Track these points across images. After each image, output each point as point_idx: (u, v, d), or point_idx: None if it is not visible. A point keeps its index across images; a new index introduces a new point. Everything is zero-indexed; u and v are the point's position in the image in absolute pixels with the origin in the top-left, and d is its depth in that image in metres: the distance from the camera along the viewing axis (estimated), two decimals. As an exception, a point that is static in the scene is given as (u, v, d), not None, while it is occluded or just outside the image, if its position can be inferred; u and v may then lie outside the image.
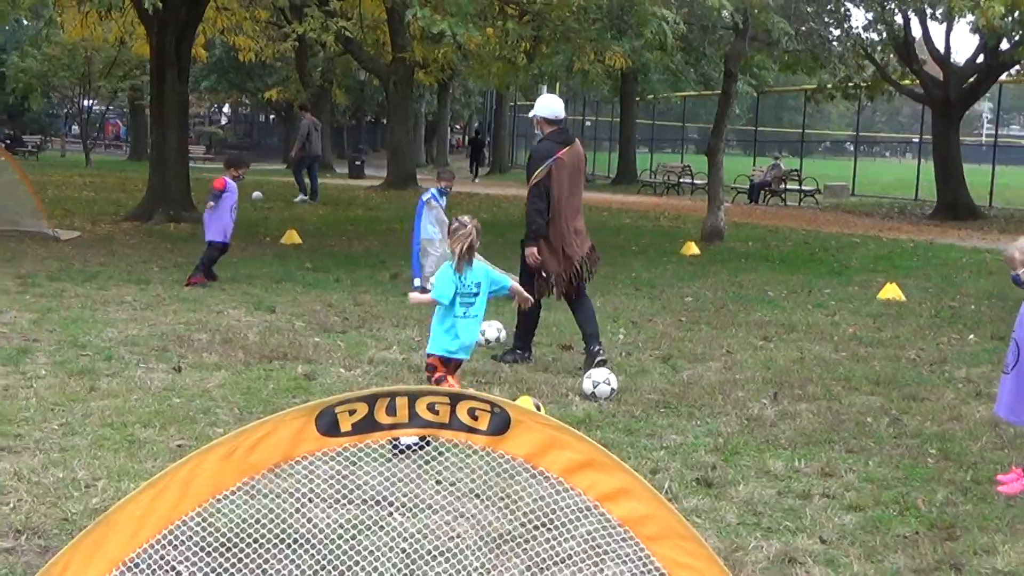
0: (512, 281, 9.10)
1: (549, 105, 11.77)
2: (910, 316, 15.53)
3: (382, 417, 3.78)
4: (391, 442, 3.80)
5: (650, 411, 9.83)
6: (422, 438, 4.16)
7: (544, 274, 11.60)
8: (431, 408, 3.77)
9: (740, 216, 33.54)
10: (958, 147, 37.41)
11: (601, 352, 11.34)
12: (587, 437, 3.79)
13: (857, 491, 7.78)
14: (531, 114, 11.93)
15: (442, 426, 3.79)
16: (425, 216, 15.16)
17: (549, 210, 11.51)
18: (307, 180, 34.64)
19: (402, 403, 3.77)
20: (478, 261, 8.98)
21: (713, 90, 49.38)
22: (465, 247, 8.77)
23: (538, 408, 8.88)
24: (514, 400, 9.48)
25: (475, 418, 3.76)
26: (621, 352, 12.36)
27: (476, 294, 8.84)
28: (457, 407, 3.76)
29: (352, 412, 3.78)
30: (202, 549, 5.19)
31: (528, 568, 5.87)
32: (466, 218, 9.02)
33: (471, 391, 3.90)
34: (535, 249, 11.52)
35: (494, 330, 12.62)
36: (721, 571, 3.66)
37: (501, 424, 3.74)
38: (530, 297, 10.09)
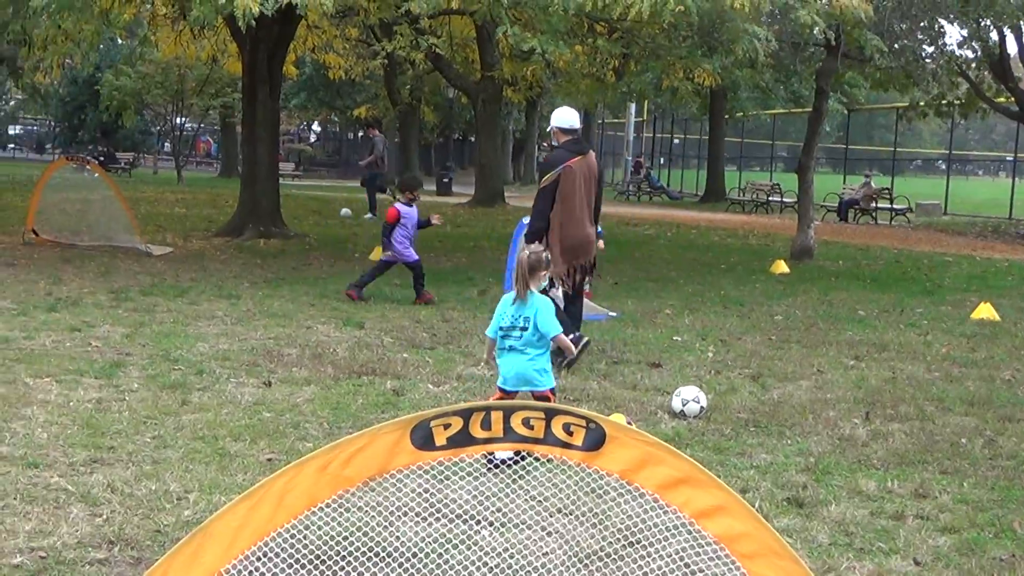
0: (558, 333, 8.76)
1: (565, 117, 12.53)
2: (1005, 336, 15.32)
3: (477, 431, 3.80)
4: (486, 456, 3.82)
5: (740, 430, 9.78)
6: (517, 453, 4.16)
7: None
8: (526, 423, 3.78)
9: (830, 234, 33.30)
10: (1053, 165, 36.92)
11: (582, 338, 12.05)
12: (682, 453, 3.79)
13: (952, 512, 7.68)
14: (549, 127, 12.76)
15: (537, 441, 3.80)
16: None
17: (556, 214, 12.22)
18: (378, 195, 34.93)
19: (497, 417, 3.78)
20: (540, 296, 8.78)
21: (803, 107, 49.14)
22: (517, 275, 8.67)
23: (630, 424, 8.85)
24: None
25: (570, 433, 3.76)
26: (710, 370, 12.30)
27: (524, 328, 8.53)
28: (552, 422, 3.77)
29: (447, 426, 3.80)
30: (296, 561, 5.23)
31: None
32: (533, 246, 9.05)
33: (566, 407, 3.91)
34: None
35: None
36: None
37: (596, 440, 3.75)
38: (573, 348, 10.11)
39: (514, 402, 3.78)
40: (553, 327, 8.51)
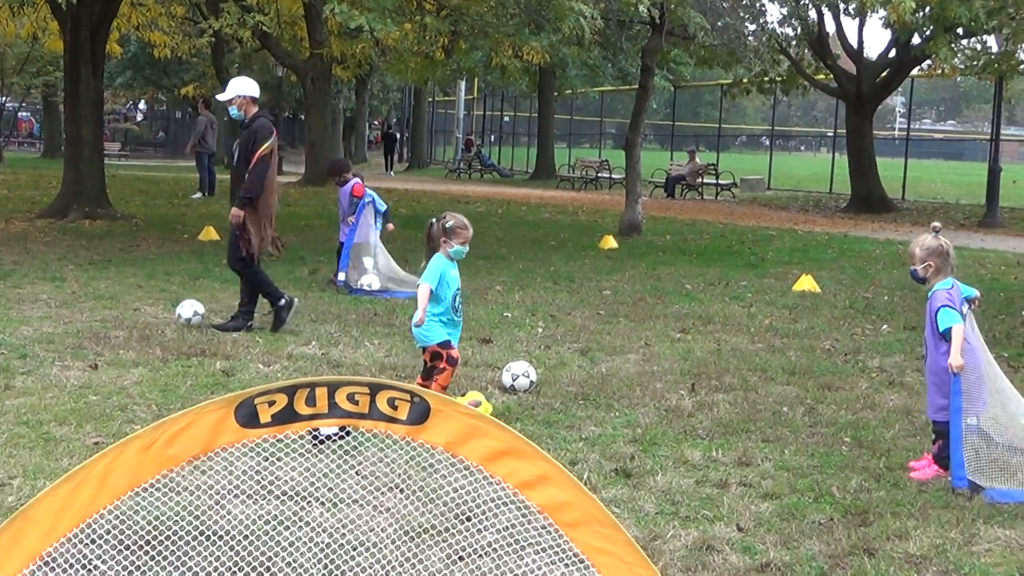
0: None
1: (252, 87, 12.70)
2: (825, 307, 15.72)
3: (302, 408, 3.79)
4: (311, 432, 3.82)
5: (569, 403, 9.89)
6: (342, 428, 4.17)
7: (247, 237, 12.42)
8: (351, 398, 3.78)
9: (658, 210, 33.76)
10: (871, 141, 37.84)
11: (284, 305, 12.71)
12: (506, 426, 3.83)
13: (773, 479, 7.88)
14: (229, 95, 12.59)
15: (362, 416, 3.81)
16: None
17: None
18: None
19: (321, 393, 3.78)
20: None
21: (630, 85, 49.62)
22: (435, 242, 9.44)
23: (477, 405, 8.95)
24: (464, 396, 9.52)
25: (395, 408, 3.78)
26: (540, 345, 12.41)
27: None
28: (377, 397, 3.78)
29: (271, 403, 3.79)
30: (121, 544, 5.17)
31: (449, 560, 5.89)
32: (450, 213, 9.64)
33: (391, 381, 3.92)
34: (243, 213, 12.33)
35: (189, 310, 12.93)
36: (639, 556, 3.71)
37: (421, 413, 3.77)
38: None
39: (339, 377, 3.78)
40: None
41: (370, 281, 15.76)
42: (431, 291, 9.20)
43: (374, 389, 3.79)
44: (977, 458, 7.86)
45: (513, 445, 3.73)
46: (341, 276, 15.60)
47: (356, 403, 3.79)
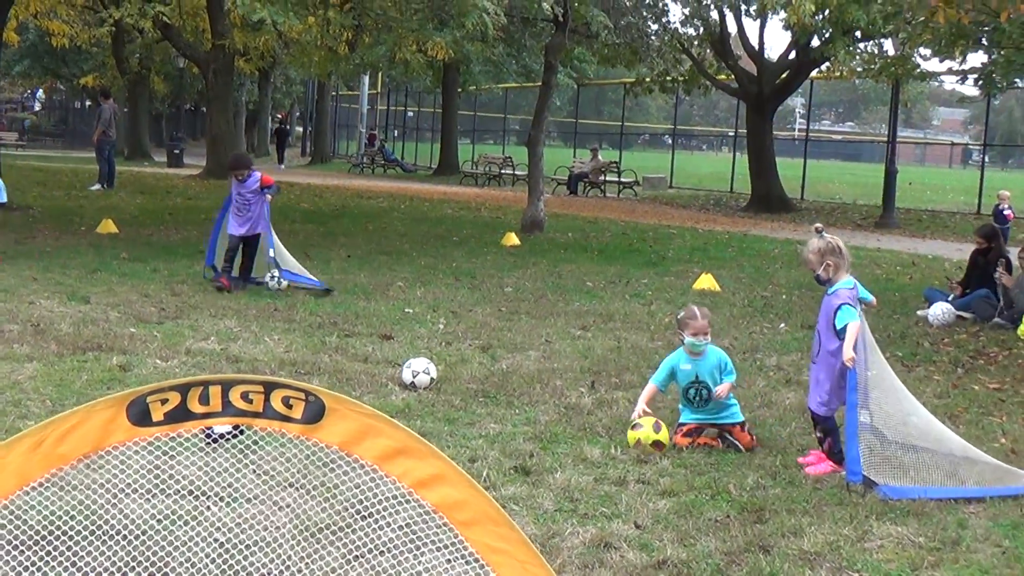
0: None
1: None
2: (724, 305, 15.85)
3: (195, 406, 3.74)
4: (203, 431, 3.77)
5: (469, 400, 9.88)
6: (235, 427, 4.12)
7: None
8: (245, 397, 3.74)
9: (560, 207, 33.87)
10: (771, 141, 38.23)
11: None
12: (401, 424, 3.81)
13: (671, 477, 7.93)
14: None
15: (256, 415, 3.76)
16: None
17: None
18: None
19: (215, 392, 3.73)
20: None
21: (534, 82, 49.73)
22: None
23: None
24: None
25: (289, 407, 3.74)
26: (441, 342, 12.39)
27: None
28: (271, 395, 3.74)
29: (164, 401, 3.74)
30: (11, 544, 5.08)
31: (346, 558, 5.86)
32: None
33: (286, 380, 3.88)
34: None
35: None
36: (533, 554, 3.71)
37: (315, 412, 3.73)
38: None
39: (233, 376, 3.73)
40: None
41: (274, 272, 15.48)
42: (656, 389, 9.15)
43: (268, 388, 3.75)
44: (871, 454, 7.97)
45: (408, 444, 3.71)
46: (271, 253, 15.32)
47: (250, 402, 3.74)
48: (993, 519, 7.37)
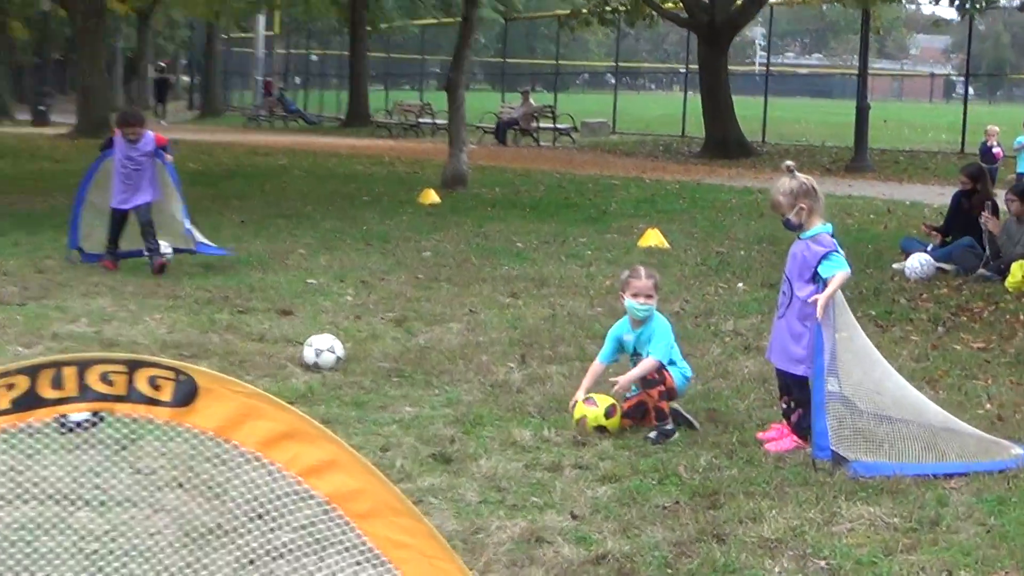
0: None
1: None
2: (674, 265, 15.92)
3: (47, 391, 3.69)
4: (56, 420, 3.73)
5: (381, 381, 9.87)
6: (94, 413, 4.07)
7: None
8: (104, 378, 3.69)
9: (486, 159, 33.83)
10: (727, 78, 38.35)
11: None
12: (287, 405, 3.78)
13: (612, 460, 7.96)
14: None
15: (119, 399, 3.72)
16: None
17: None
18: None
19: (70, 373, 3.69)
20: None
21: (454, 17, 49.59)
22: None
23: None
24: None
25: (157, 388, 3.70)
26: (349, 315, 12.37)
27: None
28: (135, 376, 3.69)
29: (11, 387, 3.69)
30: None
31: (238, 564, 5.83)
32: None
33: (152, 358, 3.85)
34: None
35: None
36: (441, 548, 3.70)
37: (187, 393, 3.69)
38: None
39: (90, 355, 3.69)
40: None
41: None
42: (602, 367, 9.17)
43: (132, 367, 3.71)
44: (840, 427, 8.03)
45: (296, 427, 3.69)
46: (187, 224, 14.94)
47: (111, 384, 3.70)
48: (977, 495, 7.46)
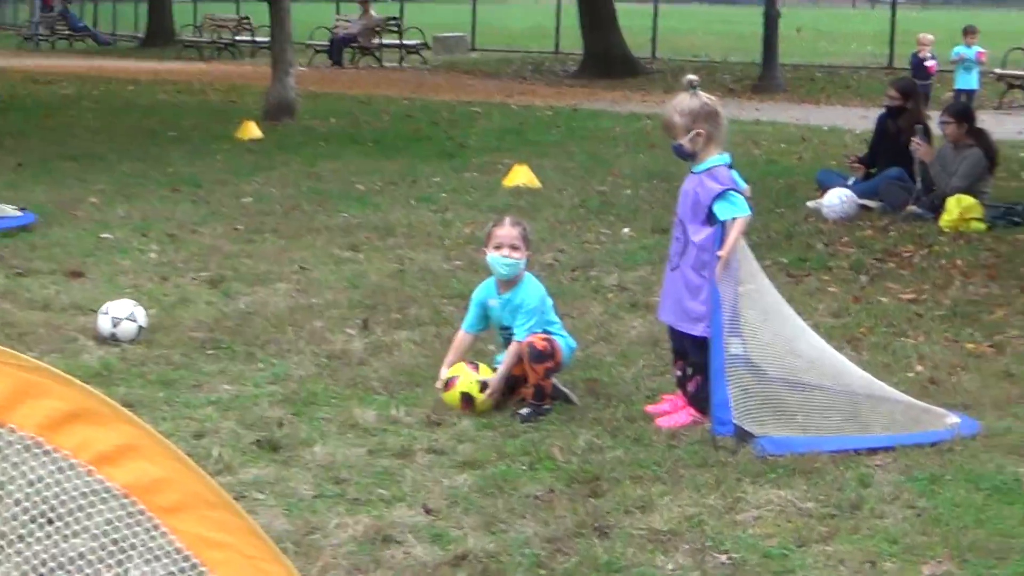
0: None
1: None
2: (547, 207, 16.00)
3: None
4: None
5: (194, 354, 9.86)
6: None
7: None
8: None
9: (319, 84, 33.69)
10: (608, -20, 38.47)
11: None
12: (75, 380, 3.80)
13: (474, 443, 8.02)
14: None
15: None
16: None
17: None
18: None
19: None
20: None
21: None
22: None
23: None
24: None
25: (-99, 362, 3.70)
26: (154, 276, 12.33)
27: None
28: None
29: None
30: None
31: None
32: None
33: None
34: None
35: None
36: (265, 547, 3.72)
37: (-56, 368, 3.70)
38: None
39: None
40: None
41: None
42: (468, 337, 9.19)
43: None
44: (745, 397, 8.14)
45: (85, 406, 3.70)
46: None
47: None
48: (905, 472, 7.61)
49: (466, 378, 8.61)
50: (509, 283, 8.89)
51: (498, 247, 8.81)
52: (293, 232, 14.47)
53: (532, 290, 8.89)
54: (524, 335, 8.69)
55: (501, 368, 8.71)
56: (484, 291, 9.07)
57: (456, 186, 17.73)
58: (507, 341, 8.91)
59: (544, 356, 8.55)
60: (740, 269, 8.31)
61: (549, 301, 9.02)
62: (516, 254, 8.80)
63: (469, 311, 9.17)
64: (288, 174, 18.62)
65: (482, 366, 8.75)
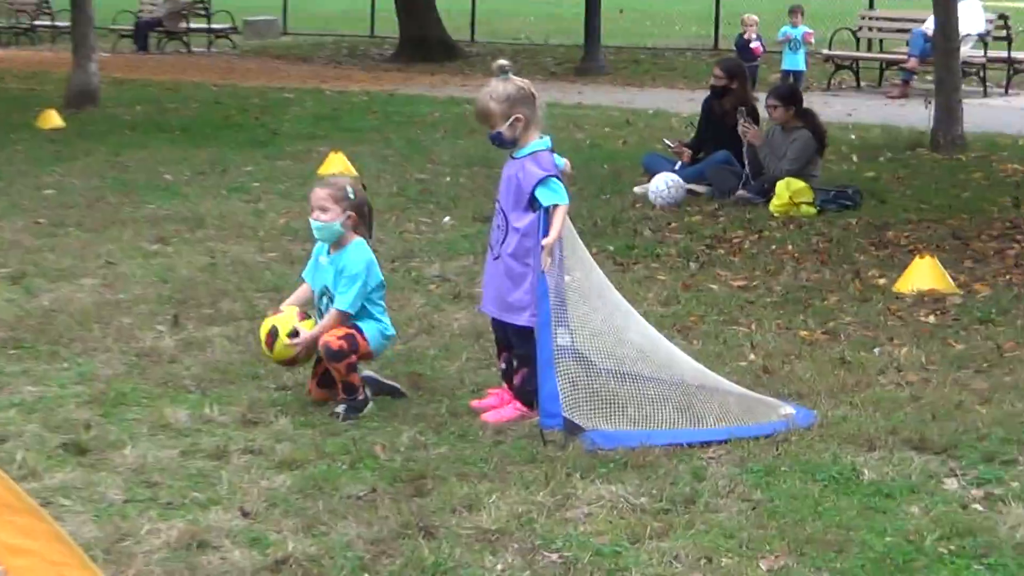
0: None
1: None
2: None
3: None
4: None
5: (-7, 354, 9.76)
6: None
7: None
8: None
9: (124, 69, 33.33)
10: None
11: None
12: None
13: (292, 442, 8.00)
14: None
15: None
16: None
17: None
18: None
19: None
20: None
21: None
22: None
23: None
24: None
25: None
26: (-53, 274, 12.18)
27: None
28: None
29: None
30: None
31: None
32: None
33: None
34: None
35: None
36: (71, 552, 3.68)
37: None
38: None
39: None
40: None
41: None
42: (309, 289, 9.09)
43: None
44: (574, 389, 8.17)
45: None
46: None
47: None
48: (740, 464, 7.70)
49: (286, 317, 8.66)
50: (337, 245, 8.84)
51: (311, 210, 8.79)
52: (98, 225, 14.32)
53: (357, 256, 8.78)
54: (345, 304, 8.65)
55: (315, 329, 8.65)
56: (321, 247, 9.00)
57: (269, 175, 17.64)
58: (323, 312, 8.87)
59: (341, 355, 8.49)
60: (567, 257, 8.34)
61: (380, 275, 8.92)
62: (324, 216, 8.72)
63: (309, 261, 9.13)
64: (92, 164, 18.41)
65: (310, 321, 8.72)
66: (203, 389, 8.95)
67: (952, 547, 6.60)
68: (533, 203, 8.32)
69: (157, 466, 7.58)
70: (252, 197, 16.04)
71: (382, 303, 8.98)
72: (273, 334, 8.55)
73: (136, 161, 18.75)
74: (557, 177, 8.37)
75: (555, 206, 8.25)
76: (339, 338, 8.52)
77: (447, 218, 14.74)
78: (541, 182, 8.30)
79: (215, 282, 11.85)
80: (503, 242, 8.52)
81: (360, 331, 8.65)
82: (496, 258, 8.62)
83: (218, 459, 7.71)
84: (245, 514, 6.92)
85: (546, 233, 8.20)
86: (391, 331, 9.00)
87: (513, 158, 8.53)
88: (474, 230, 13.90)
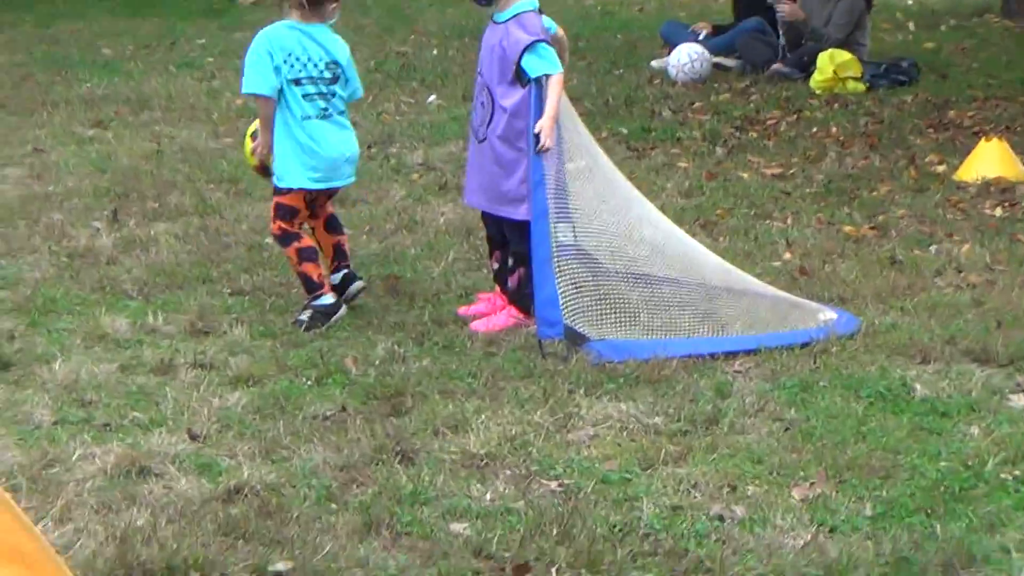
0: None
1: None
2: (338, 72, 15.92)
3: None
4: None
5: (-98, 257, 9.77)
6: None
7: None
8: None
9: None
10: None
11: None
12: None
13: (249, 355, 8.01)
14: None
15: None
16: None
17: None
18: None
19: None
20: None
21: None
22: None
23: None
24: None
25: None
26: None
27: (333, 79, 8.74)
28: None
29: None
30: None
31: None
32: None
33: None
34: None
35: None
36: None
37: None
38: None
39: None
40: None
41: None
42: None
43: None
44: (577, 294, 8.13)
45: None
46: None
47: None
48: (771, 379, 7.68)
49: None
50: None
51: None
52: (25, 107, 14.33)
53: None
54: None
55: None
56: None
57: (224, 49, 17.61)
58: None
59: (286, 239, 8.53)
60: (567, 141, 8.23)
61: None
62: None
63: None
64: (17, 37, 18.41)
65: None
66: (146, 295, 8.95)
67: (1016, 472, 6.56)
68: (521, 76, 8.19)
69: (92, 383, 7.57)
70: (205, 74, 16.04)
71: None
72: (255, 136, 8.62)
73: (69, 34, 18.74)
74: (546, 42, 8.20)
75: (547, 76, 8.11)
76: (277, 228, 8.56)
77: (432, 97, 14.70)
78: (528, 48, 8.13)
79: (161, 172, 11.85)
80: (489, 123, 8.40)
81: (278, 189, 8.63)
82: (481, 141, 8.50)
83: (163, 374, 7.71)
84: (193, 437, 6.91)
85: (540, 111, 8.08)
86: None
87: (495, 22, 8.42)
88: (463, 111, 13.83)
